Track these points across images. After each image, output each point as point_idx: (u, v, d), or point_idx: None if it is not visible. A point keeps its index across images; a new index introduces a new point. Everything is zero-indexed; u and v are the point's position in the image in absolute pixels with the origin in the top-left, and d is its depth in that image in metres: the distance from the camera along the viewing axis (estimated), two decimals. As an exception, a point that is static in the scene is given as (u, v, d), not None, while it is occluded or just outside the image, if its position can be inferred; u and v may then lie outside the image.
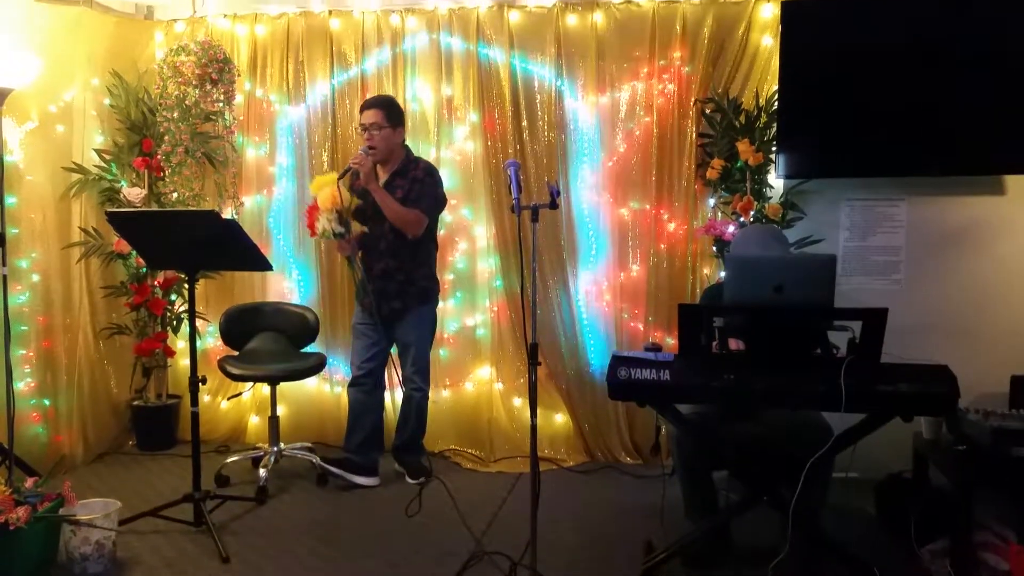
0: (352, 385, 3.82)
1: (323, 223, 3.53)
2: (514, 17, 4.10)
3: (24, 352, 3.84)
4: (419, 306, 3.75)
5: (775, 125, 3.74)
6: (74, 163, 4.06)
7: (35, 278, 3.90)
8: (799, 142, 3.69)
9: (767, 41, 3.87)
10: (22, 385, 3.81)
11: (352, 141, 4.22)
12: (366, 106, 3.66)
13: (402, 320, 3.73)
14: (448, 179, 4.25)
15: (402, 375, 3.85)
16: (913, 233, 3.81)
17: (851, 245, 3.85)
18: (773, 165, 3.79)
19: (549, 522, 3.16)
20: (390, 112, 3.64)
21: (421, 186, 3.64)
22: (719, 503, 3.05)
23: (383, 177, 3.68)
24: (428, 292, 3.79)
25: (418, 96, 4.26)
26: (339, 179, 3.54)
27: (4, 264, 3.51)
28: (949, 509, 2.88)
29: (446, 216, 4.26)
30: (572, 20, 4.06)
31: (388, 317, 3.72)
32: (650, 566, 2.78)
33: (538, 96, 4.11)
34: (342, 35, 4.29)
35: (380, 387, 3.89)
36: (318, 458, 3.88)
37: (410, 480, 3.80)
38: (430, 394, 4.06)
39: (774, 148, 3.76)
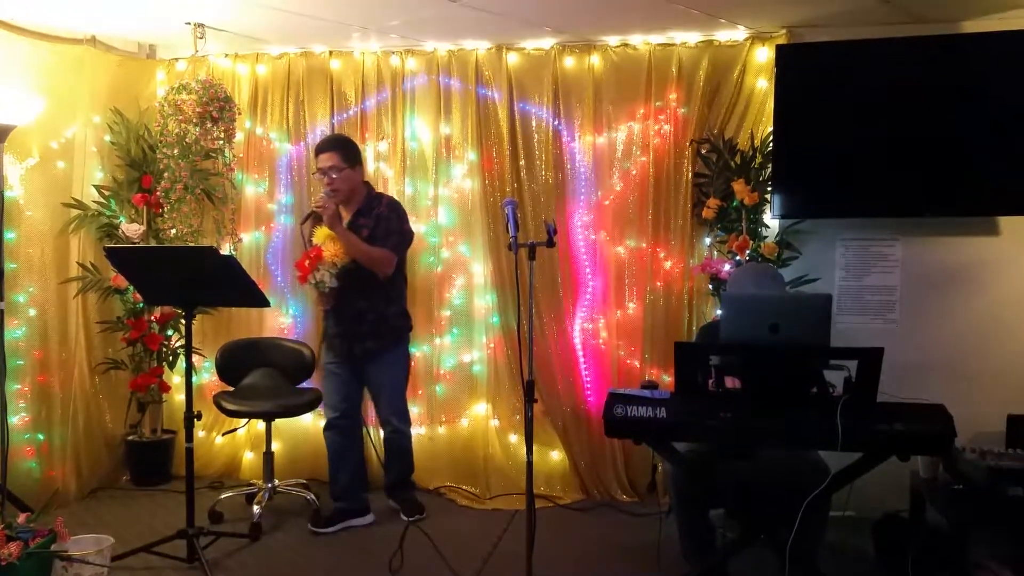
0: (328, 428, 3.74)
1: (323, 274, 3.45)
2: (512, 59, 4.17)
3: (19, 387, 3.83)
4: (394, 347, 3.69)
5: (770, 165, 3.79)
6: (73, 199, 4.09)
7: (32, 312, 3.91)
8: (794, 183, 3.74)
9: (762, 83, 3.94)
10: (16, 420, 3.79)
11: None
12: (321, 149, 3.59)
13: (375, 360, 3.65)
14: (446, 217, 4.30)
15: (379, 418, 3.77)
16: (908, 273, 3.84)
17: (846, 284, 3.89)
18: (769, 205, 3.84)
19: (545, 561, 3.13)
20: (346, 152, 3.57)
21: (387, 223, 3.57)
22: (716, 542, 3.04)
23: (346, 217, 3.59)
24: (402, 331, 3.74)
25: (417, 135, 4.31)
26: (301, 225, 3.49)
27: (2, 299, 3.52)
28: (946, 548, 2.87)
29: (443, 252, 4.30)
30: (569, 62, 4.13)
31: (361, 357, 3.64)
32: (647, 607, 2.75)
33: (536, 136, 4.17)
34: (342, 75, 4.36)
35: (357, 425, 3.83)
36: (312, 495, 3.86)
37: (405, 517, 3.75)
38: (424, 431, 4.02)
39: (769, 188, 3.81)
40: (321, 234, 3.51)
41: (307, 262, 3.48)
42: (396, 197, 4.23)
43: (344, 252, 3.46)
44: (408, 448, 3.84)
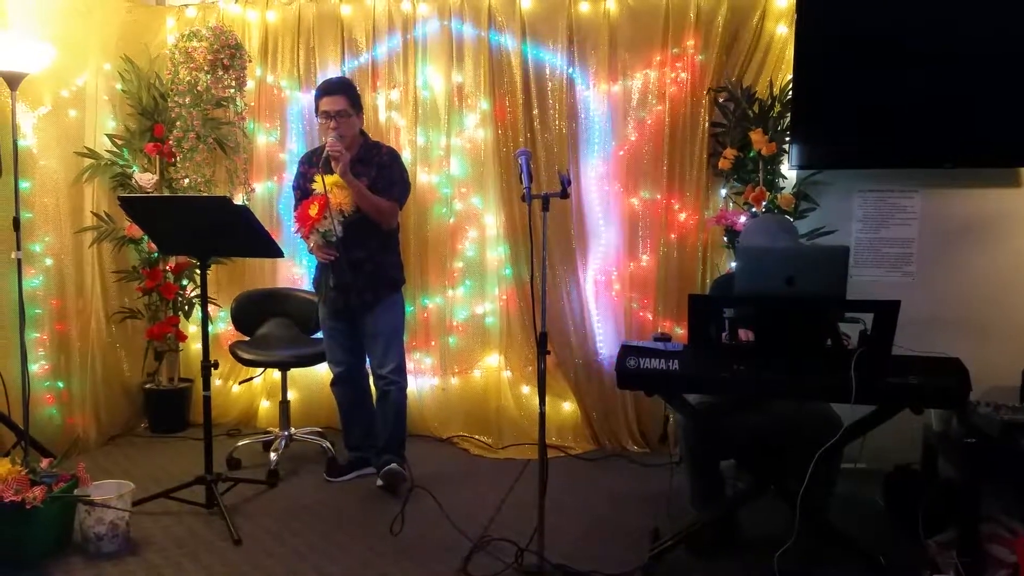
0: (335, 384, 3.68)
1: (331, 223, 3.29)
2: (526, 4, 4.07)
3: (38, 335, 3.88)
4: (390, 295, 3.54)
5: (789, 115, 3.71)
6: (86, 148, 4.08)
7: (48, 262, 3.93)
8: (813, 132, 3.66)
9: (782, 30, 3.84)
10: (36, 367, 3.84)
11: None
12: (328, 91, 3.37)
13: (372, 311, 3.50)
14: (458, 167, 4.26)
15: (373, 371, 3.61)
16: (926, 225, 3.78)
17: (864, 236, 3.84)
18: (786, 155, 3.77)
19: (556, 509, 3.18)
20: (354, 97, 3.40)
21: (390, 172, 3.43)
22: (726, 493, 3.06)
23: None
24: (397, 281, 3.59)
25: (429, 83, 4.25)
26: (322, 170, 3.28)
27: (19, 248, 3.54)
28: (957, 501, 2.88)
29: (456, 204, 4.27)
30: (584, 7, 4.04)
31: (358, 309, 3.48)
32: (656, 554, 2.79)
33: (549, 84, 4.09)
34: (353, 21, 4.28)
35: (363, 377, 3.72)
36: (328, 443, 3.92)
37: (379, 482, 3.56)
38: (438, 381, 3.98)
39: (787, 138, 3.74)
40: (325, 181, 3.30)
41: (312, 210, 3.31)
42: (408, 147, 4.22)
43: (351, 201, 3.33)
44: (402, 405, 3.61)
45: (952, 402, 2.66)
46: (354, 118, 3.41)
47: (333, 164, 3.29)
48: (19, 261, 3.54)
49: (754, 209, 3.74)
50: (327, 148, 3.29)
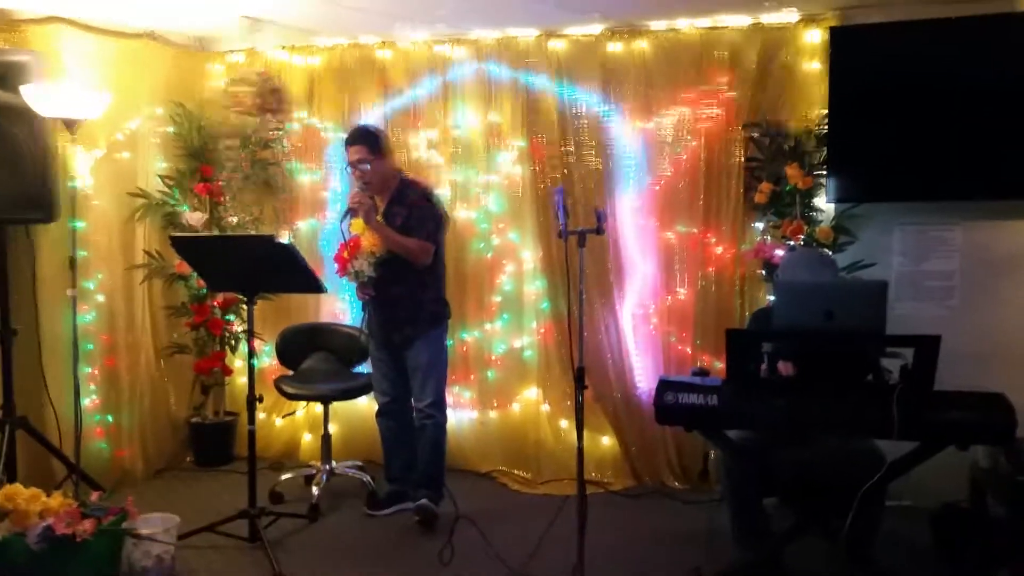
0: (379, 415, 3.79)
1: (362, 264, 3.50)
2: (559, 45, 4.16)
3: (89, 370, 4.00)
4: (430, 330, 3.63)
5: (824, 149, 3.72)
6: (138, 188, 4.24)
7: (100, 298, 4.06)
8: (849, 166, 3.66)
9: (814, 66, 3.85)
10: (87, 401, 3.95)
11: (402, 167, 4.30)
12: (348, 142, 3.57)
13: (412, 346, 3.62)
14: (495, 203, 4.33)
15: (414, 405, 3.70)
16: (967, 258, 3.74)
17: (904, 270, 3.80)
18: (823, 188, 3.77)
19: (596, 546, 3.15)
20: (373, 143, 3.52)
21: (420, 212, 3.55)
22: (769, 530, 3.02)
23: (380, 207, 3.57)
24: (439, 316, 3.67)
25: (466, 123, 4.34)
26: (340, 222, 3.50)
27: (75, 286, 3.67)
28: (1008, 540, 2.81)
29: (493, 239, 4.33)
30: (617, 47, 4.10)
31: (400, 345, 3.63)
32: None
33: (584, 121, 4.15)
34: (392, 65, 4.41)
35: (408, 411, 3.77)
36: (369, 477, 3.95)
37: (415, 517, 3.60)
38: (476, 415, 3.98)
39: (824, 172, 3.74)
40: (358, 224, 3.53)
41: (345, 253, 3.52)
42: (447, 184, 4.32)
43: (382, 243, 3.49)
44: (439, 440, 3.69)
45: (998, 438, 2.61)
46: (377, 162, 3.53)
47: (360, 212, 3.46)
48: (74, 299, 3.66)
49: (791, 242, 3.73)
50: (348, 200, 3.52)
